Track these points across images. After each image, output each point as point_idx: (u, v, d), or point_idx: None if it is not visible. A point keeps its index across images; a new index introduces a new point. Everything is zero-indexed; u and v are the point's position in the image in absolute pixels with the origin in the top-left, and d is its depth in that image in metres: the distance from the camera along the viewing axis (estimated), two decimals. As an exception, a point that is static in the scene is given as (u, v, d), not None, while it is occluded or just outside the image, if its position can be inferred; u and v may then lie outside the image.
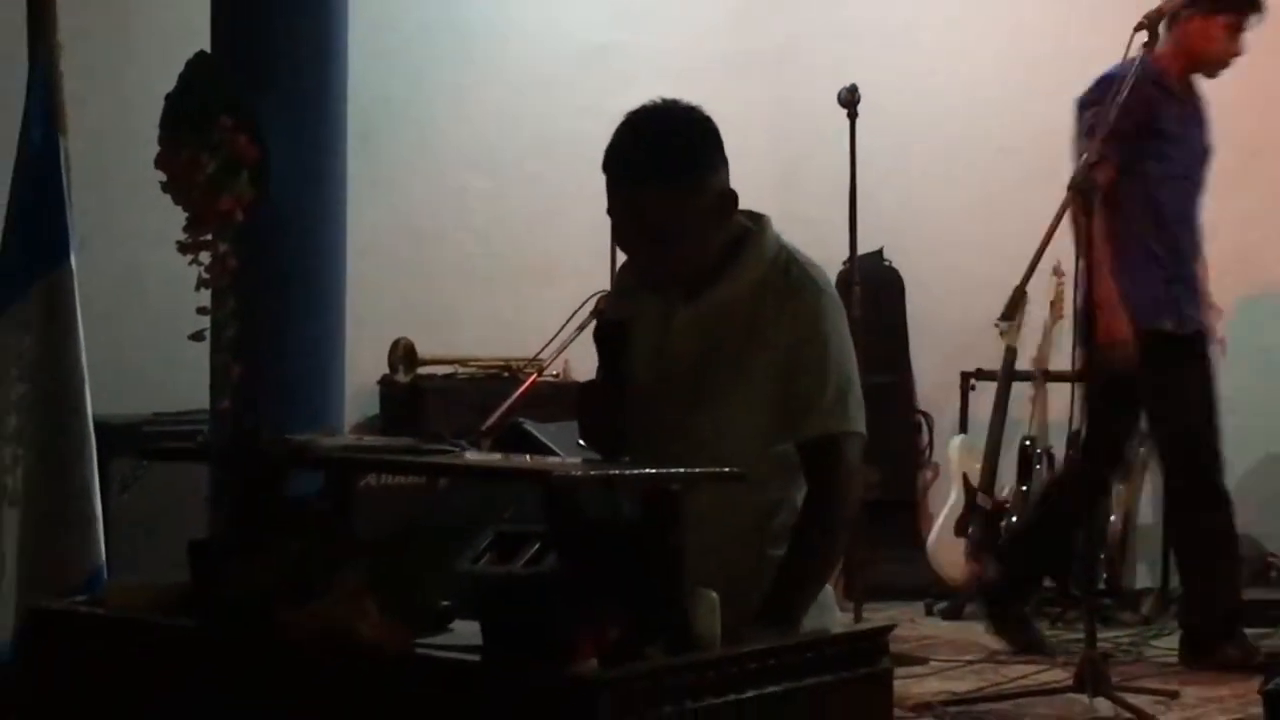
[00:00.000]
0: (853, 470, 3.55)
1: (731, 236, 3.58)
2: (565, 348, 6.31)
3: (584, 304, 6.18)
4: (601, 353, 3.52)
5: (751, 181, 3.60)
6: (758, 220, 3.63)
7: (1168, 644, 6.73)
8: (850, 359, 3.58)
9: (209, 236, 5.01)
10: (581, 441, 3.61)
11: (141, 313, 6.46)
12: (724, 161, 3.53)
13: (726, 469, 3.25)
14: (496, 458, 4.00)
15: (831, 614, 3.63)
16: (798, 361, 3.51)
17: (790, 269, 3.58)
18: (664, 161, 3.45)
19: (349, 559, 3.26)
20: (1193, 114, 6.48)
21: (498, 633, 3.00)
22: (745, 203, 3.65)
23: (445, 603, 3.24)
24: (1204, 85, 6.51)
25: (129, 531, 5.34)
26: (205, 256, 5.03)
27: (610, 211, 3.52)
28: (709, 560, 3.21)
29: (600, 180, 3.52)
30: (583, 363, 3.88)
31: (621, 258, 3.77)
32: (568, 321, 6.26)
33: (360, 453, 3.53)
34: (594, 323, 3.75)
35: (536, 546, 3.64)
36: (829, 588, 3.63)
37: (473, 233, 7.80)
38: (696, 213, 3.48)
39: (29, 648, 3.81)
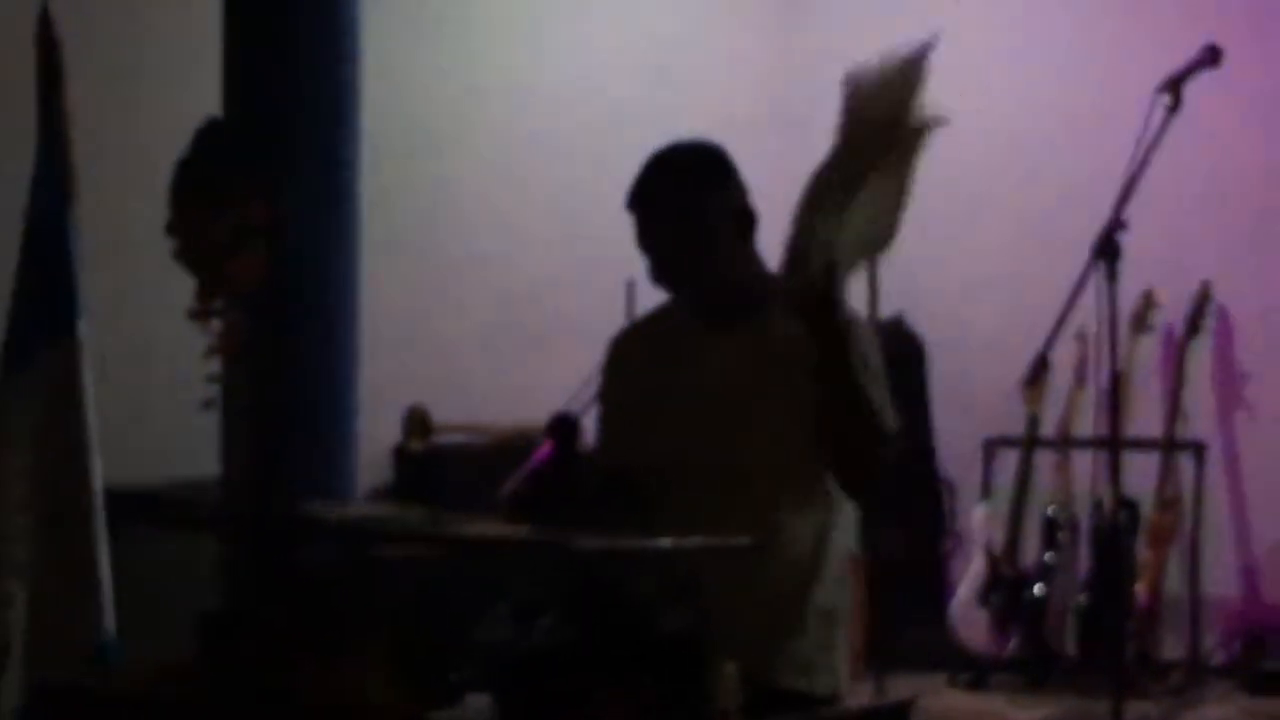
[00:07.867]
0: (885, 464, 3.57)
1: (764, 271, 3.67)
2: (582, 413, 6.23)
3: (598, 371, 6.11)
4: (555, 444, 3.55)
5: (774, 247, 3.57)
6: None
7: (1197, 717, 6.65)
8: (881, 377, 3.71)
9: (220, 304, 4.95)
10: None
11: (153, 379, 6.40)
12: (739, 182, 3.69)
13: (748, 540, 3.21)
14: (513, 530, 3.94)
15: (845, 592, 3.64)
16: None
17: None
18: (678, 167, 3.68)
19: (362, 630, 3.21)
20: None
21: (514, 706, 2.94)
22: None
23: (459, 674, 3.18)
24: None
25: (139, 601, 5.28)
26: (216, 324, 4.97)
27: (640, 238, 3.63)
28: (750, 600, 3.27)
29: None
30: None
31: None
32: (583, 387, 6.19)
33: (372, 523, 3.49)
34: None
35: (553, 618, 3.59)
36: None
37: (489, 297, 7.74)
38: (712, 213, 3.63)
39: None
